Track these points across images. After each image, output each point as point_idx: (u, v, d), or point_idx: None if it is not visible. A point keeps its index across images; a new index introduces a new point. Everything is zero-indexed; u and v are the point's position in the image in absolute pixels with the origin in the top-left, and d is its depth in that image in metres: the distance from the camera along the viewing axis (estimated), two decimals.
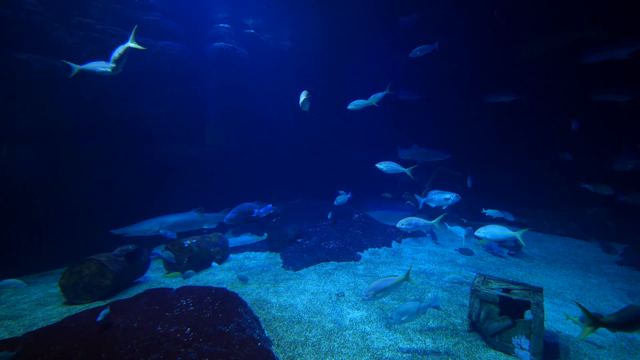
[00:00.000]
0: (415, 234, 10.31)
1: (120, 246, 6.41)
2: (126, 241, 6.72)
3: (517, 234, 5.30)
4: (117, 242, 6.77)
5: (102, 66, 5.43)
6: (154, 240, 8.97)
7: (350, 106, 6.84)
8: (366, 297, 3.95)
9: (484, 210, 8.05)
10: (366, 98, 7.18)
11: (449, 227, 7.32)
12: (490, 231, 5.44)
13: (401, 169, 6.54)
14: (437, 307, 4.37)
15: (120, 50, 4.85)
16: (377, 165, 6.53)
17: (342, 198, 8.25)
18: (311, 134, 14.16)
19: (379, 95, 6.94)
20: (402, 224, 5.97)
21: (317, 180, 14.01)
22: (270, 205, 7.61)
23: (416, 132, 15.39)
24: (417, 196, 7.28)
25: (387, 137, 17.07)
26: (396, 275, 4.16)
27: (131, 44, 4.86)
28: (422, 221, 6.00)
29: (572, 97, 11.14)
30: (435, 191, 7.09)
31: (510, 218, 8.50)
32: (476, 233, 5.70)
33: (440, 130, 14.54)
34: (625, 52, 7.44)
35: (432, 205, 7.01)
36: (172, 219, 7.41)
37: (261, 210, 7.29)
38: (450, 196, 6.91)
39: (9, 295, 5.85)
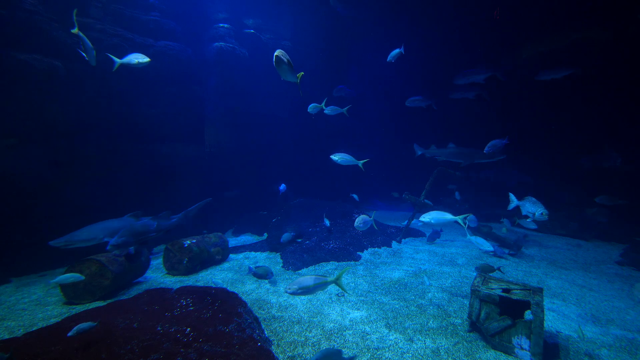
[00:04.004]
0: (416, 233, 10.32)
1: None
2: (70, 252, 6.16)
3: (458, 218, 5.86)
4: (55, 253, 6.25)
5: (136, 58, 5.83)
6: (153, 240, 8.97)
7: (309, 109, 7.52)
8: (289, 291, 3.80)
9: (517, 220, 8.22)
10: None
11: (469, 236, 7.03)
12: (433, 216, 5.98)
13: (354, 161, 6.65)
14: None
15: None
16: (331, 156, 6.62)
17: (287, 236, 8.20)
18: (311, 134, 14.18)
19: (337, 109, 7.98)
20: (358, 222, 6.66)
21: (318, 180, 14.03)
22: (175, 219, 6.71)
23: (417, 132, 15.42)
24: (511, 195, 6.73)
25: (389, 138, 17.12)
26: (326, 277, 3.97)
27: (76, 29, 5.23)
28: (368, 219, 6.73)
29: (572, 97, 11.16)
30: (532, 199, 6.46)
31: (532, 226, 8.47)
32: (421, 218, 6.17)
33: (440, 130, 14.55)
34: (481, 77, 9.42)
35: (523, 212, 6.56)
36: (114, 224, 6.65)
37: (172, 223, 6.15)
38: (535, 211, 6.30)
39: (9, 295, 5.85)
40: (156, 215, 6.64)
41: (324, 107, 7.61)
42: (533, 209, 6.35)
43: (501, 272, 6.16)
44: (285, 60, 3.84)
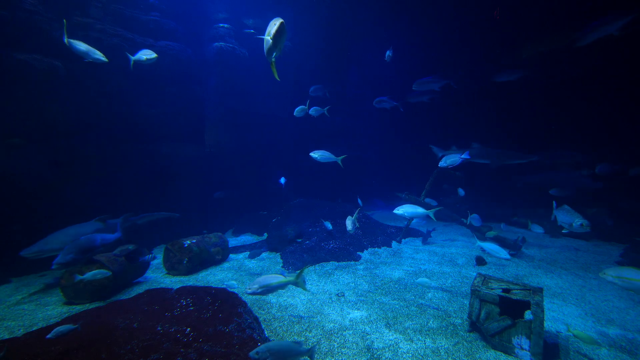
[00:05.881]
0: (416, 234, 10.32)
1: (120, 246, 6.42)
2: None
3: (429, 212, 6.39)
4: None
5: (144, 54, 6.31)
6: (154, 240, 8.99)
7: (295, 113, 8.09)
8: (249, 291, 3.78)
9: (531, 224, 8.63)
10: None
11: (478, 242, 6.65)
12: (406, 209, 6.39)
13: (334, 158, 6.84)
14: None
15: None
16: (311, 154, 6.81)
17: (256, 252, 8.26)
18: (312, 134, 14.18)
19: (320, 109, 8.55)
20: (348, 226, 6.93)
21: (318, 180, 14.03)
22: (118, 233, 6.34)
23: (417, 132, 15.43)
24: (555, 203, 6.54)
25: (389, 137, 17.11)
26: (284, 276, 3.94)
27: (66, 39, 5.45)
28: (352, 219, 7.11)
29: (572, 97, 11.16)
30: (567, 207, 6.13)
31: (540, 230, 8.58)
32: (395, 210, 6.44)
33: (440, 130, 14.56)
34: (437, 86, 10.15)
35: (558, 222, 6.25)
36: (83, 229, 6.51)
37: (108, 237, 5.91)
38: (572, 221, 5.90)
39: (9, 295, 5.85)
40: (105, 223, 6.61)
41: (307, 109, 8.16)
42: (568, 218, 5.93)
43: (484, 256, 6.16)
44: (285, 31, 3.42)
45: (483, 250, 6.80)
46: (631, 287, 3.91)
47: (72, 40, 5.53)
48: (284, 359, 3.03)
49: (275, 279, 3.81)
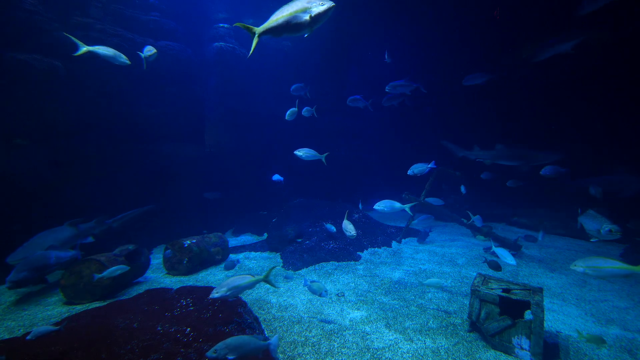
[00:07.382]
0: (416, 234, 10.32)
1: (120, 246, 6.42)
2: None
3: (405, 207, 6.70)
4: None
5: (148, 51, 6.67)
6: (154, 240, 8.99)
7: (287, 116, 8.26)
8: (216, 295, 3.72)
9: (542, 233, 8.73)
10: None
11: (494, 247, 6.71)
12: (384, 204, 6.67)
13: (318, 156, 6.93)
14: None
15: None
16: (295, 152, 6.89)
17: (230, 264, 7.88)
18: (311, 134, 14.18)
19: (311, 109, 8.88)
20: (347, 231, 6.95)
21: (318, 180, 14.03)
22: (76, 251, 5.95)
23: (418, 132, 15.42)
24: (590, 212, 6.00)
25: (389, 137, 17.11)
26: (253, 275, 3.94)
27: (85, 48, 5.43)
28: (350, 223, 7.29)
29: (572, 97, 11.16)
30: (592, 212, 5.76)
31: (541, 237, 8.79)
32: (375, 207, 6.72)
33: (440, 130, 14.54)
34: (408, 89, 10.30)
35: (586, 229, 5.77)
36: (63, 233, 6.44)
37: (64, 254, 5.65)
38: (600, 227, 5.31)
39: (9, 295, 5.85)
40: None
41: (299, 111, 8.37)
42: (595, 225, 5.36)
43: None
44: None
45: (492, 252, 6.92)
46: (601, 274, 3.93)
47: (95, 47, 5.39)
48: (244, 354, 3.02)
49: (243, 279, 3.81)
